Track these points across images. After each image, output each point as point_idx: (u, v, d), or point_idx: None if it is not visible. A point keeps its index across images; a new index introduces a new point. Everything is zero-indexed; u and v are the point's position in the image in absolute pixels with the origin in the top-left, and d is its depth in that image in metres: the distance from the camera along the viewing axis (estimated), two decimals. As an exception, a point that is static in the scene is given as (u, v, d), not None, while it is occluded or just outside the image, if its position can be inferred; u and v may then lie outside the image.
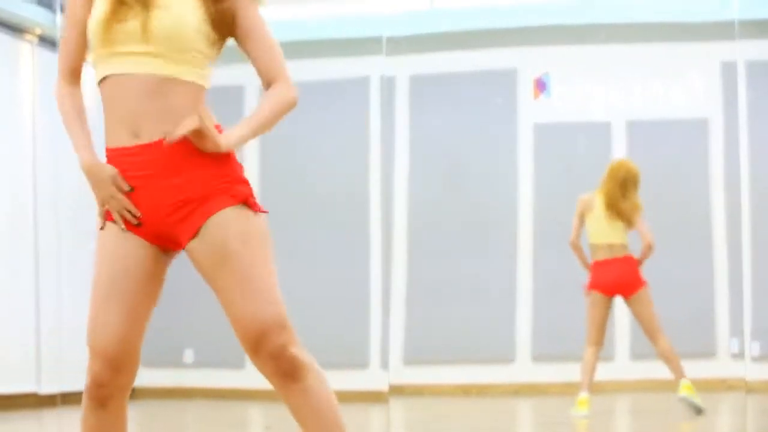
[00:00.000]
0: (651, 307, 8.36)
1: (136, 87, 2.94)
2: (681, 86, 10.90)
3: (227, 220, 2.96)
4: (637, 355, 10.76)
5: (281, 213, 11.17)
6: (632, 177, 8.50)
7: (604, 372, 10.51)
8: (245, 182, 3.02)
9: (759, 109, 10.17)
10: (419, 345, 10.75)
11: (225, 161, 2.99)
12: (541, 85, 10.94)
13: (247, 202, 2.99)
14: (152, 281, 3.03)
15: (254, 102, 11.23)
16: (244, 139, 2.98)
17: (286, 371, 2.96)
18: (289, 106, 3.06)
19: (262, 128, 3.02)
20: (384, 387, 10.03)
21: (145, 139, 2.96)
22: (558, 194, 10.46)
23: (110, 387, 3.02)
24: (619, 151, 10.88)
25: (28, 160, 10.27)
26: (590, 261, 8.52)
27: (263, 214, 3.02)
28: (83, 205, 10.85)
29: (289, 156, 11.16)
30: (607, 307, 8.42)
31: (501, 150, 10.76)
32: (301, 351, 2.97)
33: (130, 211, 2.98)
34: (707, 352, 10.40)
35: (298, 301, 11.00)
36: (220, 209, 2.96)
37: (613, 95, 10.99)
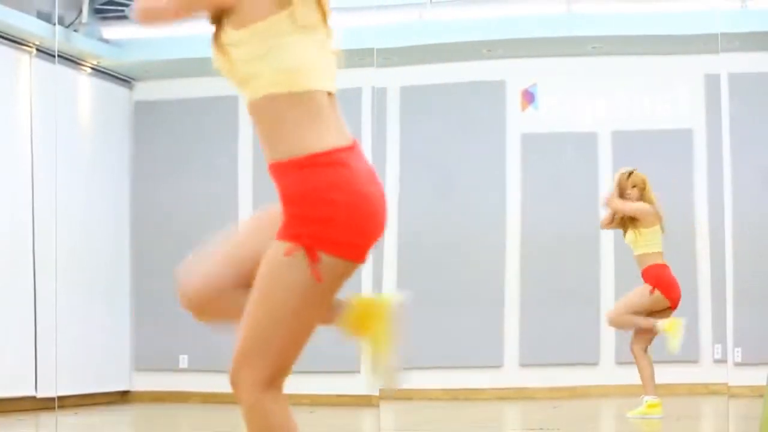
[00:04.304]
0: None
1: None
2: (666, 98, 10.98)
3: None
4: (622, 361, 10.85)
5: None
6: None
7: (588, 377, 10.62)
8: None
9: (741, 120, 10.25)
10: (408, 351, 10.82)
11: None
12: (528, 97, 11.02)
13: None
14: None
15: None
16: None
17: None
18: None
19: None
20: (374, 392, 10.10)
21: None
22: (545, 203, 10.56)
23: None
24: (605, 161, 10.96)
25: (27, 169, 10.33)
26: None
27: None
28: (80, 212, 10.92)
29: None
30: None
31: (489, 160, 10.83)
32: None
33: None
34: (691, 358, 10.48)
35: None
36: None
37: (599, 106, 11.06)
